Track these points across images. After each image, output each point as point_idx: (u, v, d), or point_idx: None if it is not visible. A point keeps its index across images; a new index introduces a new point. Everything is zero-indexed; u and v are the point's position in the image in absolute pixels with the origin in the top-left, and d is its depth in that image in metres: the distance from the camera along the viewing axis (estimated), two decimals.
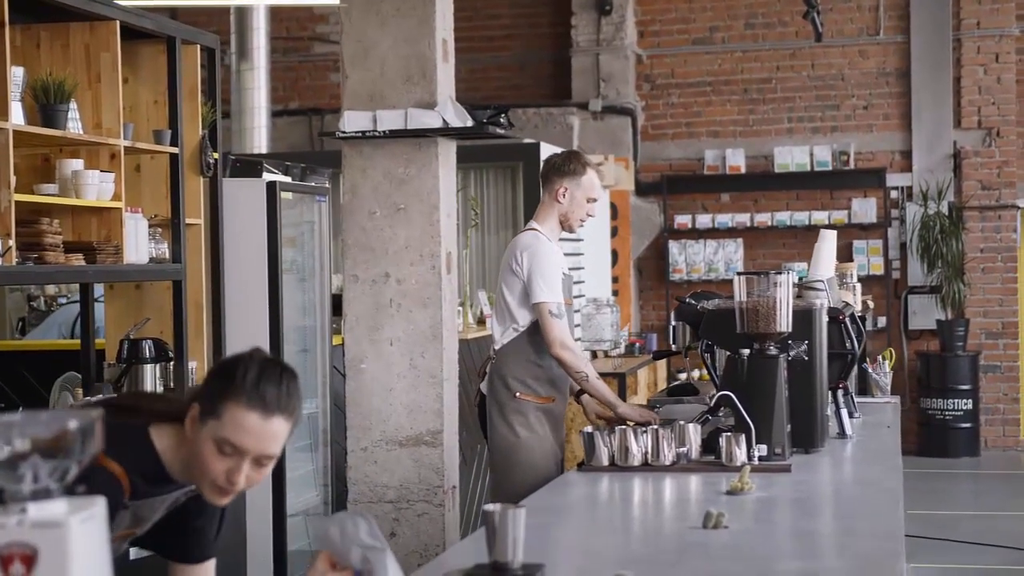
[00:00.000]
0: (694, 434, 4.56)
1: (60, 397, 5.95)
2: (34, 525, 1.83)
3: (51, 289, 8.74)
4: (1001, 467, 12.48)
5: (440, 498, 5.80)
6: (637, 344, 11.13)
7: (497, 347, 5.55)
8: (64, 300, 8.58)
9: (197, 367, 6.13)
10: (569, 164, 5.57)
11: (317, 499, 7.10)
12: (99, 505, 1.88)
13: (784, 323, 4.64)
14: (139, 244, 5.61)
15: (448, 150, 5.93)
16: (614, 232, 12.94)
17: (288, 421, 2.78)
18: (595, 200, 5.58)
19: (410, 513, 5.80)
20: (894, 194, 13.36)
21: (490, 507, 2.86)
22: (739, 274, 4.72)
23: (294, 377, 2.83)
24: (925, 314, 13.19)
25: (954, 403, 12.81)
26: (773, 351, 4.64)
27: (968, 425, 12.85)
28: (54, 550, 1.82)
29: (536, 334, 5.41)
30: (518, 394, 5.47)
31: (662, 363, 11.52)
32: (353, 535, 2.47)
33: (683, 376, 11.01)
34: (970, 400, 12.84)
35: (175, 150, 5.90)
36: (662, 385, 10.77)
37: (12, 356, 6.95)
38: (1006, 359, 13.23)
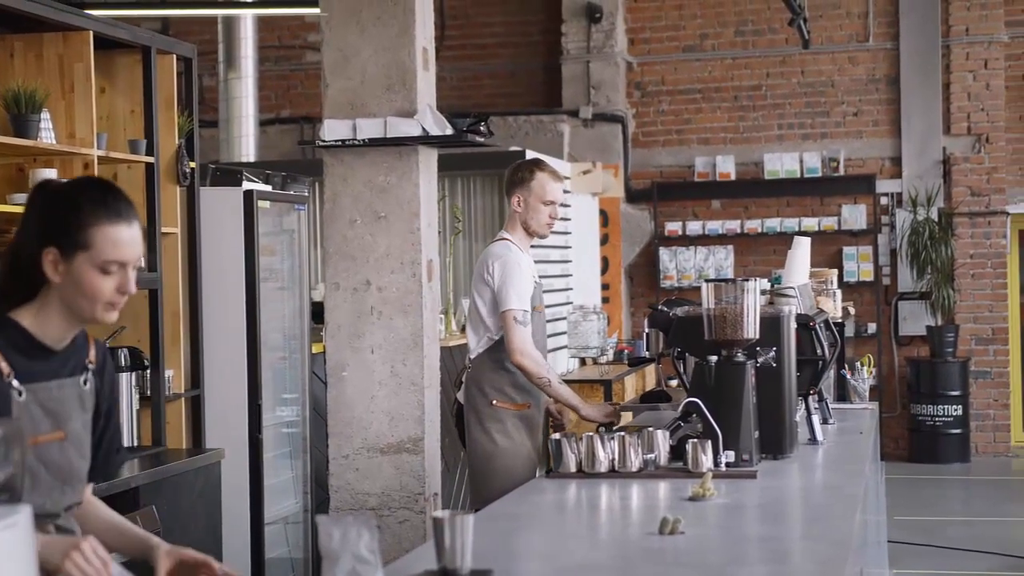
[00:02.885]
0: (663, 441, 4.56)
1: None
2: None
3: None
4: (991, 473, 12.47)
5: (421, 505, 5.81)
6: (626, 351, 11.13)
7: (472, 356, 5.59)
8: None
9: (173, 376, 6.14)
10: (517, 173, 5.64)
11: (297, 506, 7.10)
12: (23, 514, 1.89)
13: (751, 330, 4.64)
14: None
15: (429, 158, 5.94)
16: (604, 239, 12.97)
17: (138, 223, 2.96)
18: (552, 203, 5.60)
19: (391, 520, 5.80)
20: (884, 200, 13.37)
21: (438, 514, 2.89)
22: (707, 281, 4.73)
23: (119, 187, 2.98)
24: (915, 320, 13.20)
25: (944, 409, 12.81)
26: (740, 358, 4.65)
27: (958, 431, 12.86)
28: None
29: None
30: (495, 402, 5.50)
31: (651, 370, 11.52)
32: (352, 543, 2.43)
33: (674, 383, 11.00)
34: (960, 406, 12.84)
35: (151, 159, 5.92)
36: None
37: None
38: (996, 365, 13.24)
